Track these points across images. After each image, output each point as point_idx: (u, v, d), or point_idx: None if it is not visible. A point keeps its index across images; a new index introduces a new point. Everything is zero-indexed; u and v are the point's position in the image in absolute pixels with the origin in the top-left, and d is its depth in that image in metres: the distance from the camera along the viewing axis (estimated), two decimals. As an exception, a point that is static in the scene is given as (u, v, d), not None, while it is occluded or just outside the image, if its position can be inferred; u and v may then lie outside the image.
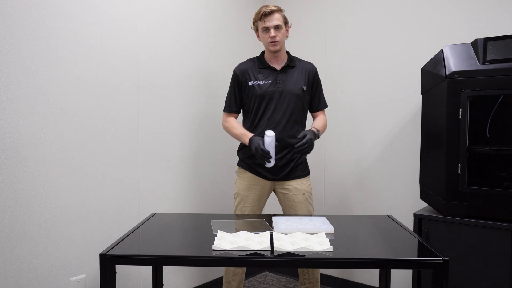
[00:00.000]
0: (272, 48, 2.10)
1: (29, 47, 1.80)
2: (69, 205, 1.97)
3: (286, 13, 2.17)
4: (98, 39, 2.06)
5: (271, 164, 1.99)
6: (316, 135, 2.05)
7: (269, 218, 1.83)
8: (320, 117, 2.24)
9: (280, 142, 2.08)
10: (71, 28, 1.95)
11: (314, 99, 2.23)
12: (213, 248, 1.39)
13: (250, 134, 2.08)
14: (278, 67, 2.16)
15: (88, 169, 2.04)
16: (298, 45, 2.94)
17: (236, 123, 2.20)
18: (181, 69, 2.49)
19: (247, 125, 2.19)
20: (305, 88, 2.14)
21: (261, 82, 2.13)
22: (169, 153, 2.45)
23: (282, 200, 2.21)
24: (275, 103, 2.11)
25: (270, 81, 2.12)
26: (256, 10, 2.16)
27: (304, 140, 1.94)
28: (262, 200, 2.21)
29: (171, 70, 2.43)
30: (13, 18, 1.75)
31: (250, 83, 2.14)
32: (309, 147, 1.95)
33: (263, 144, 1.96)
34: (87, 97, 2.03)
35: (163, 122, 2.40)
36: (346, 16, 2.72)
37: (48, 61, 1.87)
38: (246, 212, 2.15)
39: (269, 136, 1.95)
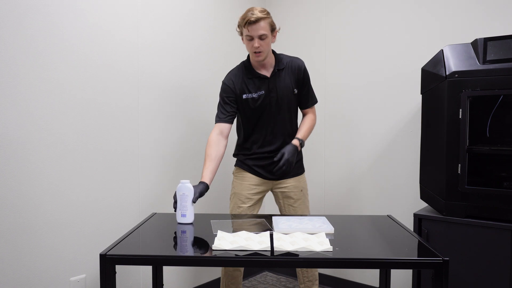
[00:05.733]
0: (255, 59, 2.02)
1: (30, 47, 1.81)
2: (69, 205, 1.97)
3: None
4: (97, 39, 2.06)
5: (182, 216, 1.75)
6: (299, 145, 2.05)
7: (269, 218, 1.83)
8: (307, 117, 2.19)
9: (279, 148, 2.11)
10: (71, 28, 1.95)
11: (304, 96, 2.16)
12: (213, 248, 1.39)
13: (205, 178, 1.92)
14: (268, 73, 2.07)
15: (88, 169, 2.04)
16: (298, 45, 2.94)
17: (211, 150, 1.99)
18: (182, 69, 2.49)
19: (242, 139, 2.17)
20: (296, 91, 2.10)
21: (255, 95, 2.05)
22: (169, 153, 2.45)
23: (280, 198, 2.21)
24: (273, 113, 2.08)
25: (263, 92, 2.06)
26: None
27: (280, 163, 1.94)
28: (258, 200, 2.20)
29: (171, 70, 2.43)
30: (14, 17, 1.75)
31: (244, 96, 2.06)
32: (288, 167, 1.96)
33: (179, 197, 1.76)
34: (87, 97, 2.03)
35: (164, 122, 2.40)
36: (345, 16, 2.72)
37: (48, 62, 1.87)
38: (243, 213, 2.14)
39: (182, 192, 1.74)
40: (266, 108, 2.08)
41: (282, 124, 2.11)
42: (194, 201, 1.78)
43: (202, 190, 1.86)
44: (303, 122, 2.17)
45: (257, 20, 1.92)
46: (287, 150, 1.99)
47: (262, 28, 1.94)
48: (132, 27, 2.21)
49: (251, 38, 1.96)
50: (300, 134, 2.10)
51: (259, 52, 1.97)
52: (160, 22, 2.36)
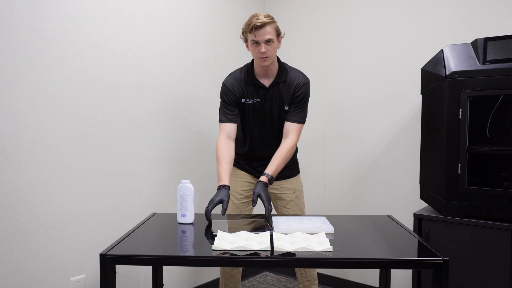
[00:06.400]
0: (262, 64, 1.97)
1: (30, 46, 1.81)
2: (69, 205, 1.97)
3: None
4: (98, 37, 2.06)
5: (182, 216, 1.76)
6: (268, 181, 1.92)
7: (269, 218, 1.83)
8: (284, 144, 2.02)
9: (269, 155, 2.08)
10: (71, 27, 1.95)
11: (292, 109, 2.05)
12: (213, 248, 1.39)
13: (225, 181, 1.90)
14: (267, 83, 2.04)
15: (88, 169, 2.04)
16: (298, 46, 2.94)
17: (224, 153, 1.98)
18: (182, 67, 2.49)
19: (239, 136, 2.16)
20: (287, 108, 2.06)
21: (250, 101, 2.05)
22: (169, 155, 2.45)
23: (273, 199, 2.21)
24: (265, 123, 2.08)
25: (259, 100, 2.05)
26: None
27: (266, 205, 1.80)
28: (252, 197, 2.20)
29: (172, 68, 2.43)
30: (14, 16, 1.75)
31: (243, 100, 2.06)
32: (270, 203, 1.85)
33: (214, 203, 1.77)
34: (87, 96, 2.03)
35: (163, 122, 2.40)
36: (346, 16, 2.72)
37: (48, 61, 1.87)
38: (237, 211, 2.15)
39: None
40: (258, 116, 2.08)
41: (271, 135, 2.11)
42: (223, 213, 1.77)
43: (228, 194, 1.83)
44: (278, 152, 2.01)
45: (263, 24, 1.89)
46: (262, 190, 1.85)
47: (268, 32, 1.91)
48: (132, 36, 2.21)
49: (257, 44, 1.93)
50: (270, 170, 1.95)
51: (266, 57, 1.94)
52: (161, 34, 2.36)
